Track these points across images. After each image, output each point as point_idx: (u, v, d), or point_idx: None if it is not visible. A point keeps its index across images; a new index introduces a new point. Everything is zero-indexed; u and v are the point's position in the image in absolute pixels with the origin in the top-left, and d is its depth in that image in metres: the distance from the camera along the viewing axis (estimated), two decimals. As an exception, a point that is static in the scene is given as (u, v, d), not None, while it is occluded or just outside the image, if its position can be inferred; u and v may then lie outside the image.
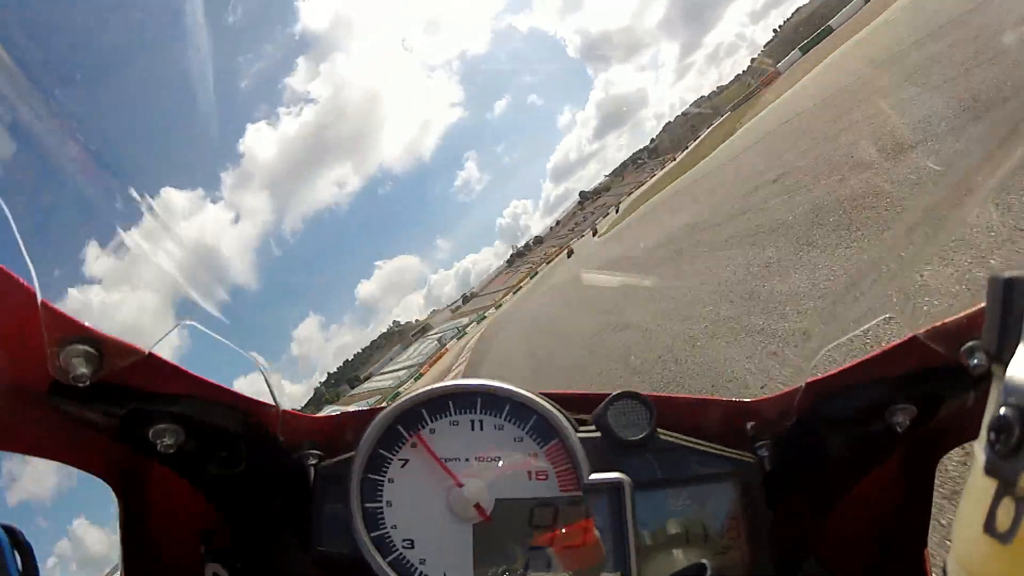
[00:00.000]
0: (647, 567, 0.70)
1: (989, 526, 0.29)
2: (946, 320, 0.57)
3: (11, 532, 0.58)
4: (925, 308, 3.23)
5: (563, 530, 0.70)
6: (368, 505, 0.72)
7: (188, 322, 0.62)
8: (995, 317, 0.33)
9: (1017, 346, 0.31)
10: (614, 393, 0.75)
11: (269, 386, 0.70)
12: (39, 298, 0.50)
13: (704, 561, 0.69)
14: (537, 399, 0.74)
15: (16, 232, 0.48)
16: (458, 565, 0.70)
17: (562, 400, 0.76)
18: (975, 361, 0.54)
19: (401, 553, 0.71)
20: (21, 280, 0.49)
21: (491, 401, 0.74)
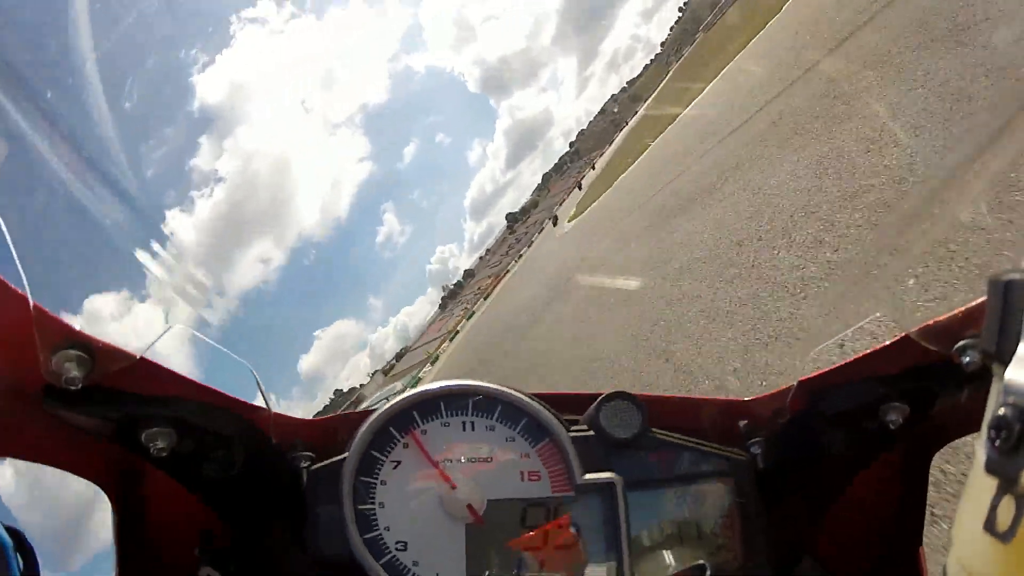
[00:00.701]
0: (641, 566, 0.70)
1: (989, 525, 0.29)
2: (939, 318, 0.58)
3: (15, 535, 0.58)
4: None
5: (532, 532, 0.70)
6: (361, 507, 0.71)
7: (178, 325, 0.62)
8: (995, 317, 0.33)
9: (1017, 346, 0.31)
10: (606, 393, 0.75)
11: (260, 388, 0.70)
12: (31, 303, 0.50)
13: (703, 562, 0.69)
14: (528, 400, 0.74)
15: (8, 237, 0.48)
16: (451, 566, 0.70)
17: (554, 400, 0.76)
18: (968, 359, 0.55)
19: (394, 555, 0.71)
20: (13, 285, 0.49)
21: (482, 403, 0.74)
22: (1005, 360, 0.31)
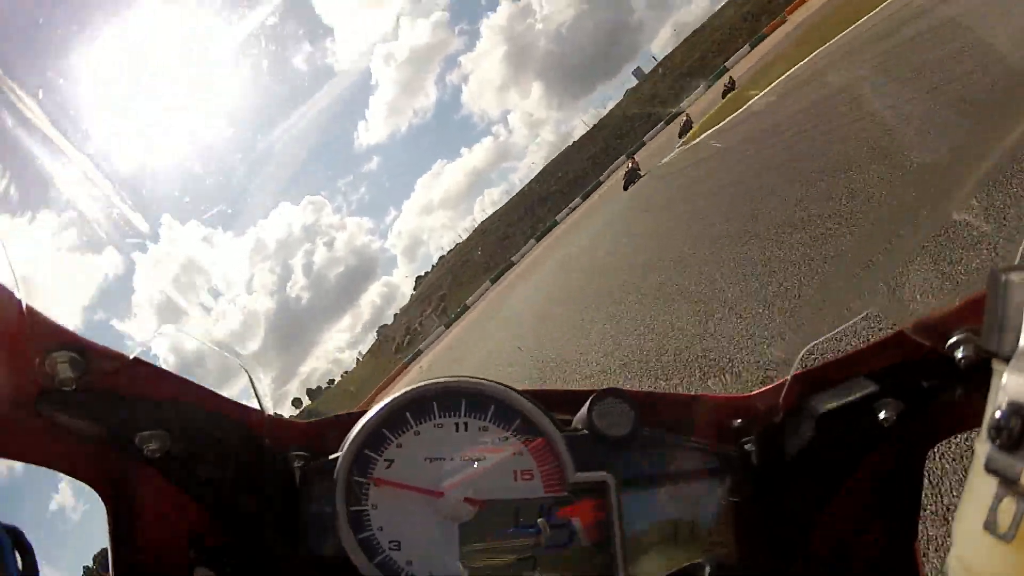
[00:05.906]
0: (635, 565, 0.70)
1: (990, 524, 0.29)
2: (933, 313, 0.58)
3: (14, 533, 0.58)
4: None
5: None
6: (354, 507, 0.71)
7: (173, 326, 0.62)
8: (995, 312, 0.33)
9: (1017, 343, 0.31)
10: (597, 391, 0.75)
11: (255, 390, 0.70)
12: (24, 304, 0.50)
13: (701, 560, 0.69)
14: (522, 399, 0.74)
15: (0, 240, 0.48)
16: (445, 566, 0.70)
17: (546, 398, 0.76)
18: (962, 354, 0.55)
19: (388, 555, 0.70)
20: (6, 287, 0.49)
21: (475, 403, 0.74)
22: (1006, 357, 0.31)
